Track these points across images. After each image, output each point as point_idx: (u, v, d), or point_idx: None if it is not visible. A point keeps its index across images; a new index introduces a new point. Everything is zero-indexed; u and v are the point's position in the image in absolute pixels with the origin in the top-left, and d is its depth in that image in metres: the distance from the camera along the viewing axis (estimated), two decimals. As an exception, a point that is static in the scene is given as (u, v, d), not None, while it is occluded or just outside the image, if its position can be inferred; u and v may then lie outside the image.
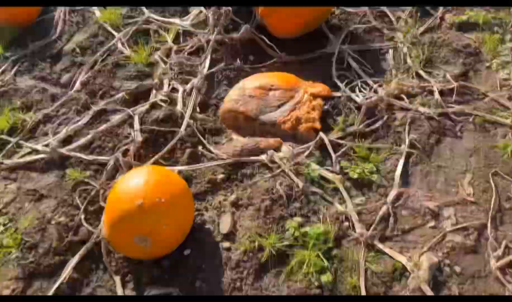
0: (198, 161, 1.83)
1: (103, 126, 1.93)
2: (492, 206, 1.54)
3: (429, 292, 1.37)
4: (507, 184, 1.61)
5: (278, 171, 1.71)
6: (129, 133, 1.89)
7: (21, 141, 1.93)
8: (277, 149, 1.79)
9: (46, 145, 1.87)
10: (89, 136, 1.89)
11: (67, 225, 1.65)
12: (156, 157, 1.82)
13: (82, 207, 1.67)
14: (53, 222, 1.66)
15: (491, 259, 1.43)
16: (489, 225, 1.50)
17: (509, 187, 1.60)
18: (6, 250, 1.59)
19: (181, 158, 1.85)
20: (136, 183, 1.50)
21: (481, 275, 1.42)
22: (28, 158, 1.86)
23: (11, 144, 1.91)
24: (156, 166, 1.73)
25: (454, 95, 1.88)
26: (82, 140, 1.88)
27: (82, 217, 1.66)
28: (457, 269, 1.43)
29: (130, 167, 1.76)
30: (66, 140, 1.91)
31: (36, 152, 1.87)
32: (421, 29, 2.22)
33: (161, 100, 1.99)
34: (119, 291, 1.52)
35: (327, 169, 1.70)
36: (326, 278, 1.45)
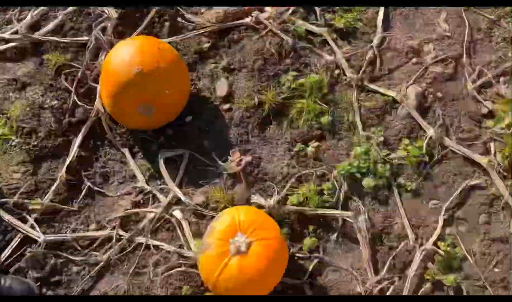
0: (180, 33, 1.79)
1: (71, 7, 1.79)
2: (465, 38, 1.67)
3: (418, 117, 1.54)
4: (478, 17, 1.73)
5: (265, 31, 1.72)
6: (103, 11, 1.78)
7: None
8: (261, 10, 1.77)
9: (15, 32, 1.73)
10: (59, 18, 1.76)
11: (61, 108, 1.62)
12: (136, 32, 1.75)
13: (74, 88, 1.62)
14: (46, 106, 1.61)
15: (467, 82, 1.60)
16: (464, 54, 1.64)
17: (480, 20, 1.73)
18: (5, 138, 1.55)
19: (161, 32, 1.80)
20: (130, 52, 1.47)
21: (459, 97, 1.59)
22: (-1, 47, 1.73)
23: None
24: (144, 35, 1.68)
25: None
26: (53, 24, 1.76)
27: (75, 97, 1.62)
28: (439, 94, 1.60)
29: (112, 45, 1.69)
30: (34, 26, 1.77)
31: (5, 41, 1.74)
32: None
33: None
34: (131, 163, 1.56)
35: (312, 23, 1.74)
36: (325, 119, 1.57)
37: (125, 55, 1.46)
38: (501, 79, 1.61)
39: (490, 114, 1.55)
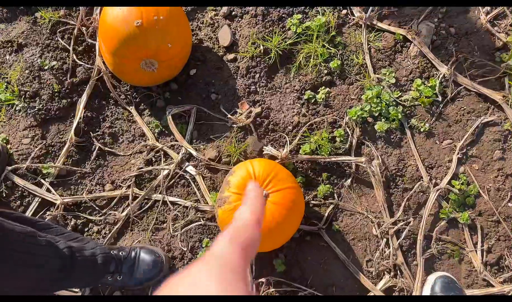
0: (178, -21, 1.69)
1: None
2: (479, -34, 1.58)
3: (430, 54, 1.49)
4: None
5: (267, -29, 1.63)
6: (92, -39, 1.67)
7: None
8: (261, -52, 1.66)
9: (1, -10, 1.64)
10: (47, -28, 1.66)
11: (61, 68, 1.56)
12: (131, -18, 1.65)
13: (71, 46, 1.56)
14: (45, 68, 1.56)
15: (481, 14, 1.53)
16: (477, -16, 1.56)
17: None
18: (8, 103, 1.52)
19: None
20: (127, 5, 1.39)
21: (473, 31, 1.53)
22: (-14, 9, 1.64)
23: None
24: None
25: None
26: (41, -21, 1.66)
27: (74, 56, 1.56)
28: (452, 30, 1.53)
29: None
30: (22, -17, 1.67)
31: (-8, 0, 1.65)
32: None
33: None
34: (139, 120, 1.54)
35: (316, -40, 1.63)
36: (334, 64, 1.52)
37: (123, 9, 1.38)
38: (517, 9, 1.54)
39: (505, 47, 1.50)
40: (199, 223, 1.40)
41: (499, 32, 1.51)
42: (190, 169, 1.48)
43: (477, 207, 1.39)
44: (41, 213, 1.44)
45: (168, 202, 1.44)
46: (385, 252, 1.36)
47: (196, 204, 1.43)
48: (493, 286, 1.32)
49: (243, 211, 0.49)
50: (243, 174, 1.26)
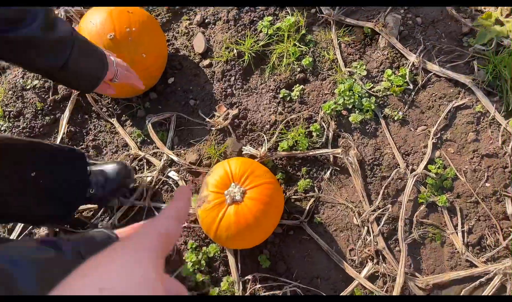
0: (151, -6, 1.75)
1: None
2: (441, -44, 1.62)
3: (398, 44, 1.52)
4: None
5: (236, -22, 1.68)
6: (68, -17, 1.74)
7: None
8: (229, -43, 1.72)
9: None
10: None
11: (43, 86, 1.61)
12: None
13: (51, 66, 1.61)
14: (28, 87, 1.61)
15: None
16: (440, -26, 1.60)
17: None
18: (-8, 124, 1.57)
19: (133, -5, 1.76)
20: (101, 19, 1.44)
21: (440, 19, 1.57)
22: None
23: None
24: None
25: None
26: None
27: (55, 75, 1.61)
28: (419, 20, 1.57)
29: (82, 16, 1.66)
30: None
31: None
32: None
33: None
34: (121, 131, 1.58)
35: (283, -37, 1.69)
36: (306, 61, 1.56)
37: (96, 24, 1.43)
38: (480, -6, 1.57)
39: (471, 32, 1.54)
40: (184, 225, 1.43)
41: (465, 18, 1.55)
42: (173, 174, 1.51)
43: (455, 189, 1.41)
44: (26, 231, 1.48)
45: (152, 208, 1.47)
46: (366, 239, 1.38)
47: (179, 207, 1.46)
48: (476, 266, 1.33)
49: (166, 206, 0.53)
50: (221, 173, 1.29)
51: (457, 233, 1.37)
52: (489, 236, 1.36)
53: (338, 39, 1.57)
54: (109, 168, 1.42)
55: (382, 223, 1.38)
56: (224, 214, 1.24)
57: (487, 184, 1.40)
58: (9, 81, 1.62)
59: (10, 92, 1.59)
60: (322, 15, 1.61)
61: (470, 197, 1.39)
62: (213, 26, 1.67)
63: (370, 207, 1.40)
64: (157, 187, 1.51)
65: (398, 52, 1.53)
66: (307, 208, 1.43)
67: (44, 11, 0.94)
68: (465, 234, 1.37)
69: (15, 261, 0.75)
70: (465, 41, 1.53)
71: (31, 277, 0.73)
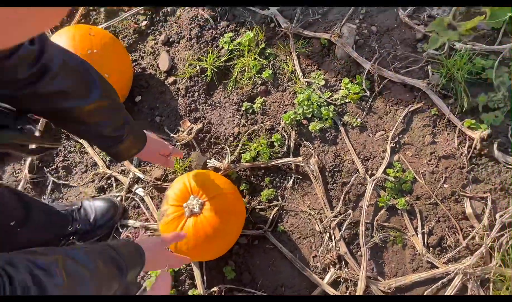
0: (117, 15, 1.81)
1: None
2: (393, -33, 1.67)
3: (354, 53, 1.56)
4: None
5: (197, -3, 1.74)
6: (37, 10, 1.79)
7: None
8: (190, -22, 1.78)
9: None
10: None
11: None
12: (72, 23, 1.77)
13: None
14: None
15: (399, 10, 1.61)
16: (393, -17, 1.65)
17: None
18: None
19: (99, 18, 1.81)
20: (63, 42, 1.48)
21: (394, 27, 1.61)
22: None
23: None
24: (77, 25, 1.69)
25: None
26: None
27: (23, 100, 1.66)
28: (374, 29, 1.62)
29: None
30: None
31: None
32: None
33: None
34: (90, 151, 1.61)
35: (242, -19, 1.74)
36: (266, 74, 1.60)
37: (58, 48, 1.48)
38: (432, 1, 1.62)
39: (425, 38, 1.58)
40: (149, 240, 1.45)
41: (418, 25, 1.59)
42: (139, 191, 1.54)
43: (414, 192, 1.43)
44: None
45: (118, 226, 1.50)
46: (329, 245, 1.40)
47: (145, 223, 1.48)
48: (437, 267, 1.35)
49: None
50: (180, 186, 1.32)
51: (417, 235, 1.39)
52: (449, 237, 1.38)
53: (296, 51, 1.62)
54: (98, 204, 1.48)
55: (344, 228, 1.40)
56: (183, 226, 1.26)
57: (445, 185, 1.43)
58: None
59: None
60: (281, 29, 1.66)
61: (429, 198, 1.42)
62: (177, 44, 1.72)
63: (332, 213, 1.42)
64: (125, 204, 1.54)
65: (354, 61, 1.57)
66: (271, 217, 1.46)
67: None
68: (426, 235, 1.39)
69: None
70: (419, 47, 1.57)
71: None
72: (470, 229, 1.38)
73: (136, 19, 1.78)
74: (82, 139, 1.62)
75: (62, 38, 1.48)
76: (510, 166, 1.40)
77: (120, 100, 1.09)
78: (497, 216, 1.37)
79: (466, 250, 1.36)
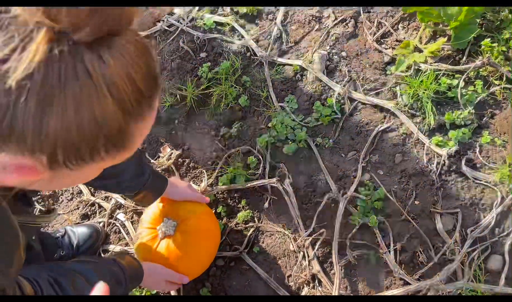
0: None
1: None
2: (362, -5, 1.77)
3: (324, 78, 1.63)
4: (372, -27, 1.82)
5: (178, 31, 1.84)
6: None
7: None
8: (171, 13, 1.89)
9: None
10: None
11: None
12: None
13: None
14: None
15: (368, 36, 1.69)
16: (361, 11, 1.74)
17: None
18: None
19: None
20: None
21: (363, 52, 1.68)
22: None
23: None
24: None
25: None
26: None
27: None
28: (343, 54, 1.69)
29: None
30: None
31: None
32: None
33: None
34: (73, 179, 1.68)
35: (219, 14, 1.84)
36: (242, 100, 1.67)
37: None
38: (399, 26, 1.70)
39: (393, 61, 1.64)
40: (128, 263, 1.49)
41: (386, 49, 1.66)
42: (121, 216, 1.59)
43: (386, 209, 1.46)
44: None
45: (100, 251, 1.54)
46: (302, 264, 1.42)
47: (125, 247, 1.53)
48: (409, 283, 1.36)
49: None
50: (154, 209, 1.37)
51: (390, 252, 1.41)
52: (421, 253, 1.40)
53: (271, 78, 1.69)
54: (81, 231, 1.53)
55: (317, 247, 1.43)
56: (156, 248, 1.30)
57: (416, 202, 1.45)
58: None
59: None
60: (256, 57, 1.74)
61: (400, 215, 1.44)
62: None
63: (306, 232, 1.45)
64: (107, 229, 1.59)
65: (326, 85, 1.64)
66: (247, 238, 1.49)
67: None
68: (398, 252, 1.40)
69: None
70: (388, 70, 1.63)
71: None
72: (442, 245, 1.39)
73: (121, 53, 1.88)
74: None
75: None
76: (478, 182, 1.43)
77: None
78: (468, 231, 1.39)
79: (438, 265, 1.37)
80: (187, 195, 1.40)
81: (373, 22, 1.71)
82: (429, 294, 1.32)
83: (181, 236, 1.30)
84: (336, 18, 1.74)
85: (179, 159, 1.64)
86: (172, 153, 1.64)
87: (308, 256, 1.42)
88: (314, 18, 1.77)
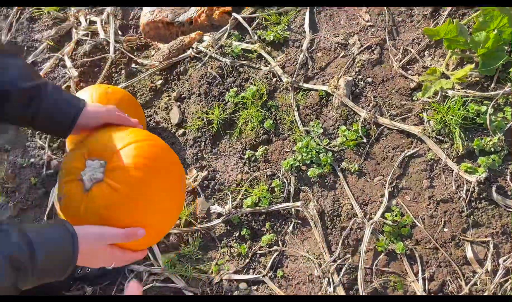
0: (135, 76, 1.99)
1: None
2: (387, 23, 1.79)
3: (350, 103, 1.64)
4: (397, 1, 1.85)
5: (206, 58, 1.90)
6: (65, 73, 2.02)
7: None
8: (200, 41, 1.96)
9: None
10: (29, 88, 2.00)
11: (38, 164, 1.82)
12: (96, 84, 1.96)
13: (47, 144, 1.83)
14: (25, 165, 1.82)
15: (393, 62, 1.70)
16: (387, 38, 1.76)
17: (400, 5, 1.84)
18: (-10, 199, 1.76)
19: (119, 79, 2.00)
20: (84, 97, 1.65)
21: (388, 78, 1.69)
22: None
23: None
24: (98, 85, 1.88)
25: None
26: (25, 94, 1.99)
27: (49, 152, 1.82)
28: (369, 80, 1.70)
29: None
30: (10, 99, 2.02)
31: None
32: None
33: (83, 35, 2.09)
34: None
35: (247, 42, 1.90)
36: (268, 123, 1.70)
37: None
38: (425, 53, 1.70)
39: (419, 87, 1.64)
40: (151, 285, 1.50)
41: (412, 75, 1.67)
42: (147, 236, 1.61)
43: (414, 236, 1.43)
44: None
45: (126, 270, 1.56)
46: (327, 291, 1.39)
47: (149, 268, 1.54)
48: (439, 313, 1.31)
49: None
50: (70, 155, 1.04)
51: (418, 280, 1.37)
52: (451, 282, 1.35)
53: (296, 103, 1.72)
54: None
55: (342, 273, 1.40)
56: (86, 204, 0.94)
57: (445, 229, 1.42)
58: (9, 161, 1.84)
59: (10, 170, 1.81)
60: (282, 82, 1.77)
61: (429, 243, 1.41)
62: (187, 100, 1.86)
63: (331, 257, 1.43)
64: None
65: (351, 110, 1.64)
66: (270, 262, 1.48)
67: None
68: (427, 281, 1.36)
69: None
70: (414, 96, 1.63)
71: None
72: (472, 274, 1.34)
73: (152, 78, 1.95)
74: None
75: (83, 96, 1.65)
76: (510, 209, 1.39)
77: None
78: (500, 260, 1.34)
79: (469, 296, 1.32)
80: (111, 117, 1.05)
81: (399, 49, 1.73)
82: (460, 326, 1.27)
83: (115, 176, 0.94)
84: (361, 45, 1.76)
85: (205, 181, 1.67)
86: (198, 175, 1.67)
87: (333, 283, 1.40)
88: (339, 45, 1.79)
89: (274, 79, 1.80)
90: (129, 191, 0.93)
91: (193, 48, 1.93)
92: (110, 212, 0.93)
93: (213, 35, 1.95)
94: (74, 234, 0.84)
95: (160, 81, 1.95)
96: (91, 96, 1.64)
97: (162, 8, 2.02)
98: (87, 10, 2.17)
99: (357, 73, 1.72)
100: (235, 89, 1.80)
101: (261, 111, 1.73)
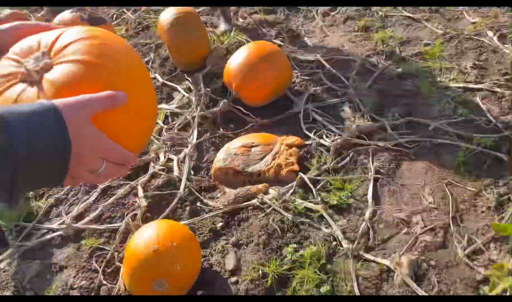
0: (198, 215, 2.08)
1: (110, 199, 2.18)
2: (451, 209, 1.83)
3: (413, 285, 1.60)
4: (460, 189, 1.92)
5: (269, 209, 1.98)
6: (135, 201, 2.14)
7: (37, 224, 2.14)
8: (265, 193, 2.07)
9: (62, 223, 2.08)
10: (99, 209, 2.13)
11: (88, 287, 1.82)
12: (160, 217, 2.06)
13: (101, 268, 1.86)
14: (75, 287, 1.83)
15: (458, 250, 1.69)
16: (451, 223, 1.78)
17: (462, 192, 1.91)
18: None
19: (183, 215, 2.10)
20: (149, 233, 1.73)
21: (453, 264, 1.66)
22: (47, 236, 2.06)
23: (29, 228, 2.11)
24: (162, 219, 1.97)
25: (403, 128, 2.27)
26: (93, 214, 2.11)
27: (101, 277, 1.84)
28: (432, 262, 1.68)
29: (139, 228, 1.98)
30: (78, 217, 2.13)
31: (52, 231, 2.08)
32: (369, 83, 2.67)
33: (159, 170, 2.28)
34: None
35: (310, 201, 1.98)
36: (324, 289, 1.66)
37: (145, 237, 1.71)
38: (491, 245, 1.69)
39: (486, 280, 1.59)
40: None
41: (479, 266, 1.63)
42: None
43: None
44: None
45: None
46: None
47: None
48: None
49: None
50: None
51: None
52: None
53: (355, 272, 1.69)
54: None
55: None
56: (44, 96, 0.75)
57: None
58: (62, 279, 1.87)
59: (59, 289, 1.82)
60: (342, 248, 1.78)
61: None
62: (245, 247, 1.89)
63: None
64: None
65: (414, 292, 1.59)
66: None
67: None
68: None
69: None
70: (481, 289, 1.57)
71: None
72: None
73: (214, 220, 2.03)
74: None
75: (150, 230, 1.73)
76: None
77: None
78: None
79: None
80: (29, 26, 0.86)
81: (463, 237, 1.73)
82: None
83: (66, 53, 0.79)
84: (425, 226, 1.79)
85: (252, 340, 1.59)
86: (246, 331, 1.60)
87: None
88: (402, 222, 1.83)
89: (334, 243, 1.82)
90: (90, 58, 0.78)
91: (258, 198, 2.03)
92: (75, 89, 0.75)
93: (278, 189, 2.06)
94: (51, 103, 0.69)
95: (220, 224, 2.02)
96: (157, 230, 1.72)
97: (235, 158, 2.20)
98: (167, 148, 2.40)
99: (420, 253, 1.71)
100: (294, 245, 1.82)
101: (318, 274, 1.71)
